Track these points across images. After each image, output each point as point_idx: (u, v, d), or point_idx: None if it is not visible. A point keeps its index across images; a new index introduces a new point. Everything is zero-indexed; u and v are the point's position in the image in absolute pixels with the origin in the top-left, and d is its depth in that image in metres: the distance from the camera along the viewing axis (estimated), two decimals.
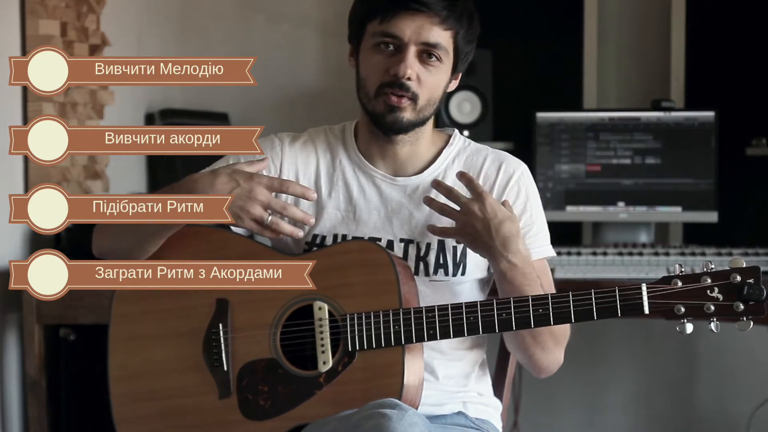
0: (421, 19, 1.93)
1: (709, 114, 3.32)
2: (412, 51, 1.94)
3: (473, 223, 1.91)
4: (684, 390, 3.75)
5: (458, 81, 2.06)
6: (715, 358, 3.72)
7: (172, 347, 1.99)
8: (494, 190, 2.03)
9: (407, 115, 1.97)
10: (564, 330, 2.00)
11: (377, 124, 2.00)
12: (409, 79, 1.94)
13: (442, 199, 1.96)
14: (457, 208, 1.93)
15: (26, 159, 3.03)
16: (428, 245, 2.01)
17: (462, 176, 1.95)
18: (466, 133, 3.32)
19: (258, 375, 1.95)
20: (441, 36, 1.95)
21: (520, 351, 2.02)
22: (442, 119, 3.43)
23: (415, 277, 1.99)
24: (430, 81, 1.96)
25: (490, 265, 1.96)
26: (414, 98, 1.96)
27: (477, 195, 1.92)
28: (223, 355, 1.97)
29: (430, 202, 1.96)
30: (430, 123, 2.05)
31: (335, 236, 2.03)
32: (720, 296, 1.83)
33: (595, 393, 3.81)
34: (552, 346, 2.00)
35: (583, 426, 3.83)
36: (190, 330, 1.99)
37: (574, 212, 3.37)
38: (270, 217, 1.91)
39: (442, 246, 2.02)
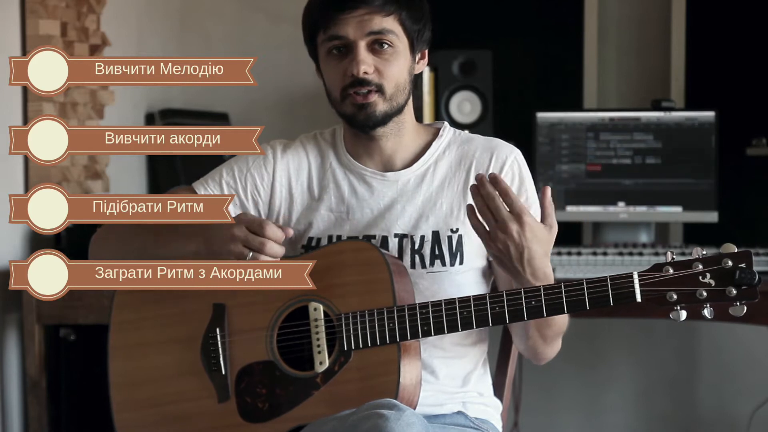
0: (359, 14, 1.94)
1: (709, 114, 3.32)
2: (361, 47, 1.95)
3: (507, 243, 1.86)
4: (684, 390, 3.75)
5: (426, 60, 2.06)
6: (715, 358, 3.72)
7: (171, 353, 2.00)
8: None
9: (379, 107, 1.97)
10: (564, 320, 1.97)
11: (353, 124, 2.01)
12: (366, 73, 1.95)
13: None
14: (501, 211, 1.84)
15: (26, 159, 3.03)
16: (422, 237, 2.01)
17: (495, 181, 1.85)
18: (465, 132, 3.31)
19: (256, 378, 1.95)
20: (384, 22, 1.95)
21: (526, 346, 2.02)
22: (442, 119, 3.43)
23: (412, 270, 1.99)
24: (390, 70, 1.96)
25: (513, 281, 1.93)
26: (380, 89, 1.96)
27: (517, 215, 1.84)
28: (221, 359, 1.97)
29: (475, 193, 1.86)
30: (410, 113, 2.05)
31: (330, 237, 2.03)
32: (712, 282, 1.81)
33: (595, 393, 3.81)
34: (553, 337, 1.99)
35: (583, 426, 3.83)
36: (188, 335, 1.99)
37: (574, 212, 3.37)
38: (250, 254, 1.87)
39: (436, 237, 2.01)
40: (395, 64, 1.97)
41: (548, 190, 1.89)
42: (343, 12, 1.94)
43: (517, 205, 1.84)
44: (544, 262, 1.88)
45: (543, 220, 1.89)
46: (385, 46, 1.96)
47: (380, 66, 1.96)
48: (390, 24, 1.96)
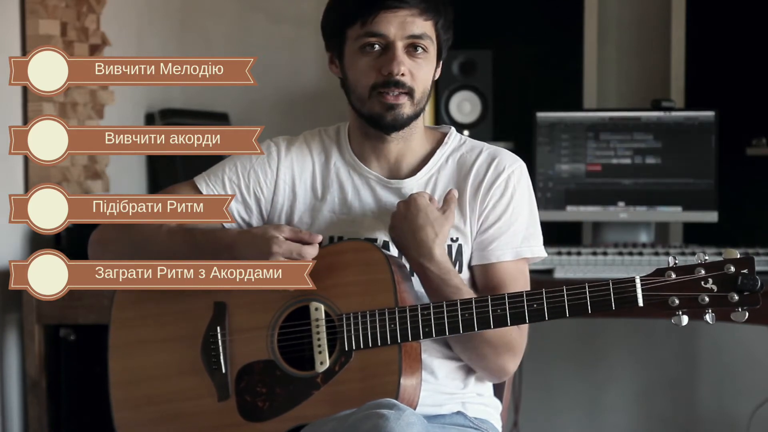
0: (402, 14, 1.94)
1: (709, 114, 3.32)
2: (400, 47, 1.95)
3: (395, 219, 1.96)
4: (684, 390, 3.75)
5: (440, 69, 2.06)
6: (715, 358, 3.72)
7: (171, 351, 2.00)
8: (482, 187, 2.01)
9: (406, 110, 1.97)
10: (504, 338, 1.95)
11: (376, 124, 1.99)
12: (402, 75, 1.95)
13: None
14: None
15: (26, 159, 3.03)
16: None
17: None
18: (466, 133, 3.32)
19: (256, 377, 1.95)
20: (424, 26, 1.96)
21: (462, 355, 2.00)
22: (443, 119, 3.43)
23: (413, 278, 1.99)
24: (421, 74, 1.97)
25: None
26: (410, 93, 1.96)
27: (410, 197, 1.96)
28: (222, 357, 1.97)
29: None
30: (422, 117, 2.04)
31: (331, 238, 2.02)
32: (714, 287, 1.81)
33: (595, 393, 3.81)
34: (490, 354, 1.97)
35: (583, 426, 3.83)
36: (189, 334, 1.99)
37: (574, 212, 3.37)
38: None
39: None
40: (426, 70, 1.98)
41: (454, 191, 1.99)
42: (388, 9, 1.93)
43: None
44: (433, 241, 1.93)
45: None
46: (420, 50, 1.96)
47: (413, 69, 1.96)
48: (428, 29, 1.97)
